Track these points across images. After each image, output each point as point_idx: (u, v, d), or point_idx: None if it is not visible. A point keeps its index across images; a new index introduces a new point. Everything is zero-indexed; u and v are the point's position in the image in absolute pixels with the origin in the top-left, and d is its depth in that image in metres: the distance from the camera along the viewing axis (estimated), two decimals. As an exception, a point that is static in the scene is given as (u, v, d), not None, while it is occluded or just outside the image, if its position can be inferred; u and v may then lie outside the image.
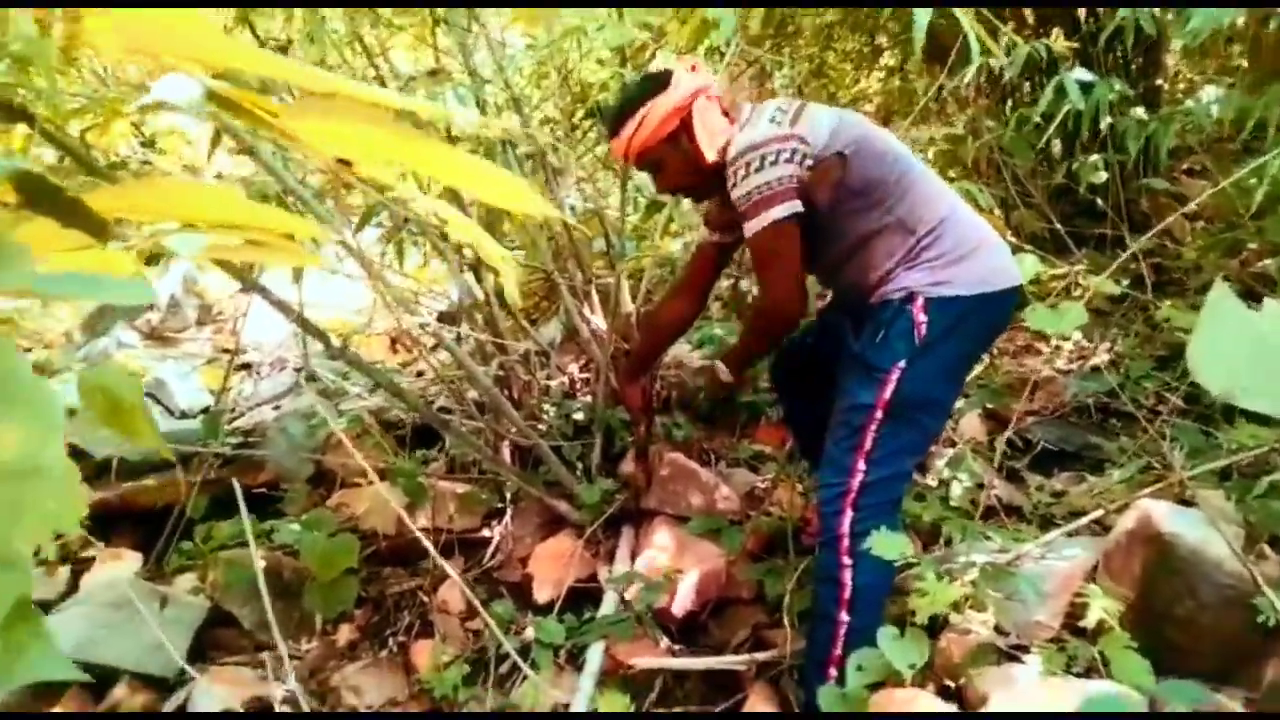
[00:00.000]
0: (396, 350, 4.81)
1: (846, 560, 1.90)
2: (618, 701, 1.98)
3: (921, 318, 1.89)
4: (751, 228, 1.92)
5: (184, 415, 4.21)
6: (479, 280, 3.07)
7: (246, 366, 5.08)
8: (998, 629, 2.19)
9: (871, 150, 1.90)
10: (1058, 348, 3.93)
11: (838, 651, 1.89)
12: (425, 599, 2.69)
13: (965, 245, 1.92)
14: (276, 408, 4.15)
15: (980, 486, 2.84)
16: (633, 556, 2.63)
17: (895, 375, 1.87)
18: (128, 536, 3.20)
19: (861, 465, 1.91)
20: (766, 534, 2.64)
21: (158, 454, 3.44)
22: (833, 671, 1.90)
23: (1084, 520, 2.42)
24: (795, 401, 2.52)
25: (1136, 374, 3.12)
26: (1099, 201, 4.53)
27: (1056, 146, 4.68)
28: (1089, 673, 2.03)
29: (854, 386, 1.96)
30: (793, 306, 1.98)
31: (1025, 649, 2.15)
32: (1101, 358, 3.63)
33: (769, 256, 1.95)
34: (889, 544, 1.73)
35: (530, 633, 2.42)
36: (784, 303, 1.98)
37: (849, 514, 1.91)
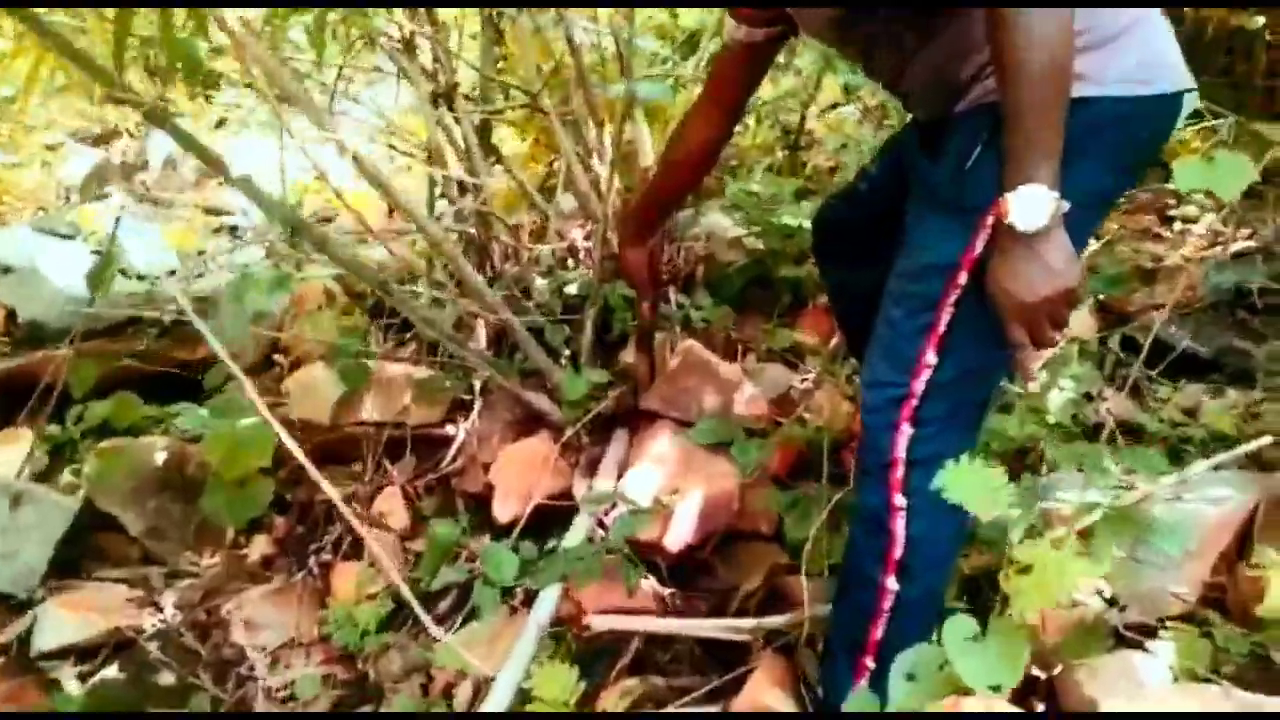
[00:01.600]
0: (392, 216, 4.19)
1: (899, 500, 1.26)
2: (559, 677, 1.38)
3: None
4: None
5: (141, 278, 3.68)
6: (451, 109, 2.42)
7: (234, 230, 4.53)
8: (1111, 600, 1.56)
9: None
10: (1184, 231, 3.17)
11: (877, 634, 1.27)
12: (358, 509, 2.13)
13: (1111, 23, 1.21)
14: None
15: (1088, 397, 2.16)
16: (622, 469, 2.02)
17: (990, 218, 1.19)
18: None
19: (930, 355, 1.25)
20: (797, 449, 2.01)
21: (79, 319, 2.91)
22: (868, 663, 1.28)
23: (1238, 452, 1.74)
24: (843, 278, 1.84)
25: (1308, 259, 2.37)
26: (1239, 61, 3.72)
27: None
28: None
29: (927, 235, 1.29)
30: None
31: (1151, 631, 1.52)
32: (1244, 242, 2.89)
33: None
34: (968, 481, 1.08)
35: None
36: None
37: (905, 430, 1.27)
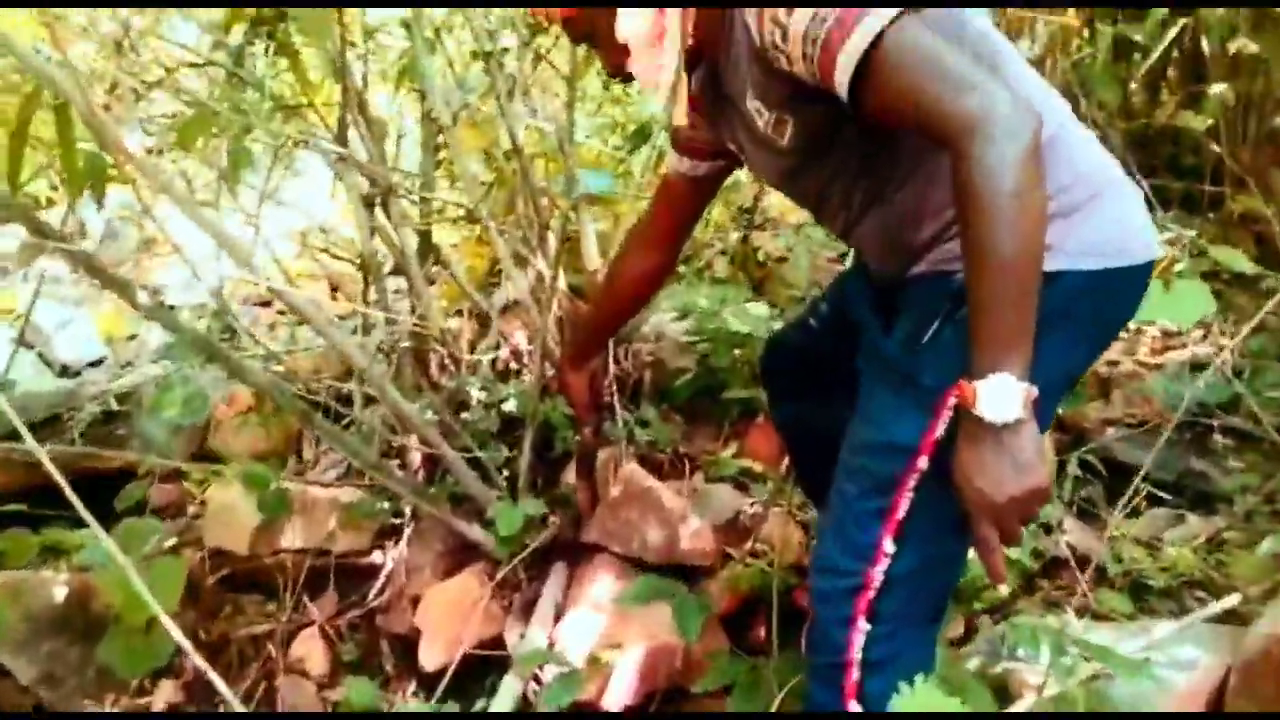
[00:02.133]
0: (337, 297, 4.05)
1: (854, 707, 1.15)
2: None
3: None
4: (849, 58, 1.00)
5: (65, 371, 3.50)
6: (388, 217, 2.31)
7: (172, 309, 4.35)
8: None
9: (941, 14, 1.09)
10: (1139, 331, 3.12)
11: None
12: (273, 653, 1.97)
13: (1081, 187, 1.13)
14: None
15: (1046, 529, 2.08)
16: (559, 613, 1.89)
17: (952, 401, 1.09)
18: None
19: (888, 544, 1.15)
20: (747, 590, 1.89)
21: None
22: None
23: (1206, 612, 1.66)
24: (794, 412, 1.73)
25: (1269, 381, 2.31)
26: (1186, 155, 3.73)
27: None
28: None
29: (882, 410, 1.19)
30: (1018, 114, 0.96)
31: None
32: (1198, 347, 2.84)
33: (918, 74, 0.99)
34: (924, 706, 0.98)
35: (406, 717, 1.70)
36: (993, 118, 0.95)
37: (861, 626, 1.16)
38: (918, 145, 1.15)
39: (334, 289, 4.13)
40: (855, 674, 1.15)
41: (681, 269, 3.41)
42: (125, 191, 5.00)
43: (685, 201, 1.60)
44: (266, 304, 4.18)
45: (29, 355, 3.46)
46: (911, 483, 1.14)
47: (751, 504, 2.22)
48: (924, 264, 1.21)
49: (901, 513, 1.15)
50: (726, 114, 1.33)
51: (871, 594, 1.16)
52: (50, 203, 6.09)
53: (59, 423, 2.93)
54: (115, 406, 2.96)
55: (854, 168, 1.22)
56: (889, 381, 1.20)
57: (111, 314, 3.76)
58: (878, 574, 1.15)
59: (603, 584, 1.90)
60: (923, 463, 1.13)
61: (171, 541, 2.19)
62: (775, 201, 4.44)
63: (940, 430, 1.11)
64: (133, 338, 3.82)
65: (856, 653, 1.15)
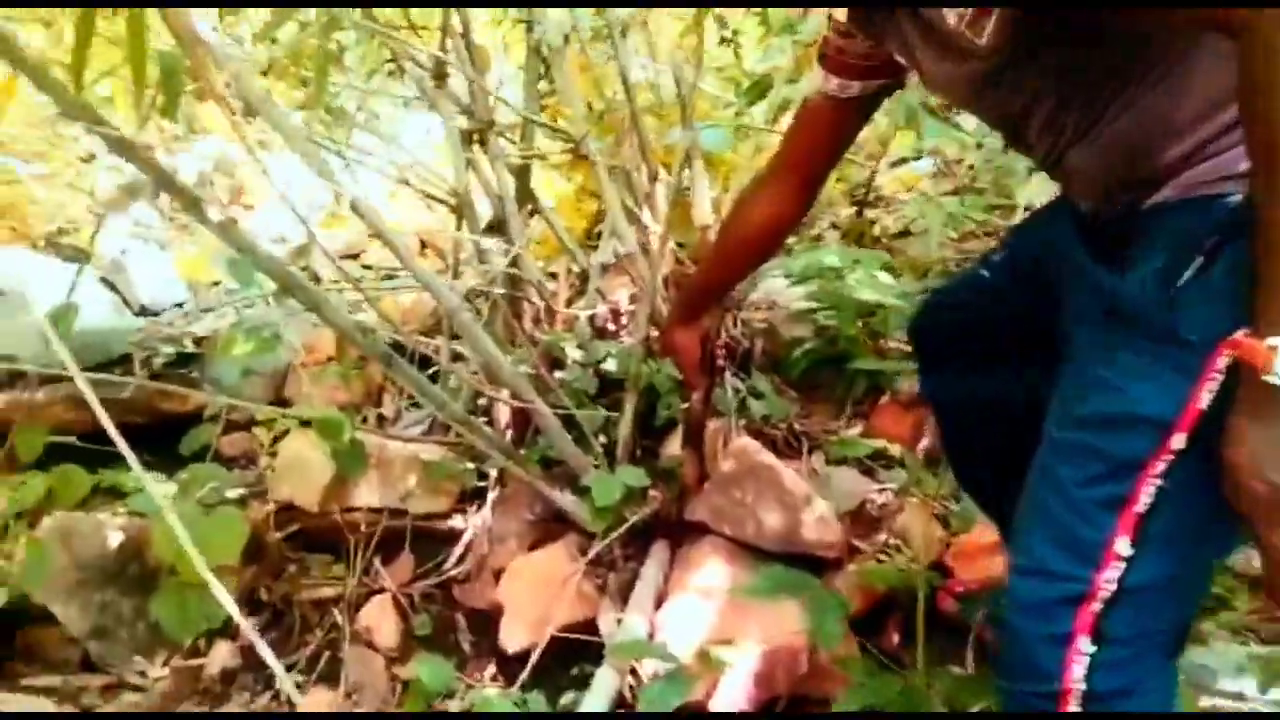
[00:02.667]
0: (426, 253, 3.87)
1: (1075, 751, 0.89)
2: None
3: None
4: None
5: (144, 312, 3.38)
6: (485, 149, 2.09)
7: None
8: None
9: None
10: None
11: None
12: (340, 620, 1.77)
13: None
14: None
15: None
16: (660, 599, 1.65)
17: (1224, 361, 0.82)
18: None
19: (1123, 545, 0.88)
20: (882, 592, 1.63)
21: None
22: None
23: None
24: (948, 377, 1.44)
25: None
26: None
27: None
28: None
29: (1123, 376, 0.91)
30: None
31: None
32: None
33: None
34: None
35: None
36: None
37: (1082, 646, 0.89)
38: (1162, 44, 0.89)
39: (423, 245, 3.96)
40: (1074, 706, 0.89)
41: (790, 240, 3.15)
42: (218, 140, 4.87)
43: (830, 130, 1.32)
44: (354, 256, 4.03)
45: (108, 295, 3.35)
46: (1160, 467, 0.87)
47: (881, 490, 1.95)
48: (1171, 188, 0.93)
49: (1142, 506, 0.88)
50: (895, 15, 1.06)
51: (1097, 606, 0.89)
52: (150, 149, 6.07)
53: (130, 363, 2.80)
54: (191, 349, 2.82)
55: (1067, 78, 0.95)
56: (1129, 335, 0.92)
57: (194, 257, 3.64)
58: (1106, 582, 0.88)
59: (711, 569, 1.65)
60: (1178, 441, 0.85)
61: (238, 492, 2.01)
62: (887, 181, 4.13)
63: (1205, 400, 0.84)
64: (217, 284, 3.69)
65: (1076, 682, 0.89)
